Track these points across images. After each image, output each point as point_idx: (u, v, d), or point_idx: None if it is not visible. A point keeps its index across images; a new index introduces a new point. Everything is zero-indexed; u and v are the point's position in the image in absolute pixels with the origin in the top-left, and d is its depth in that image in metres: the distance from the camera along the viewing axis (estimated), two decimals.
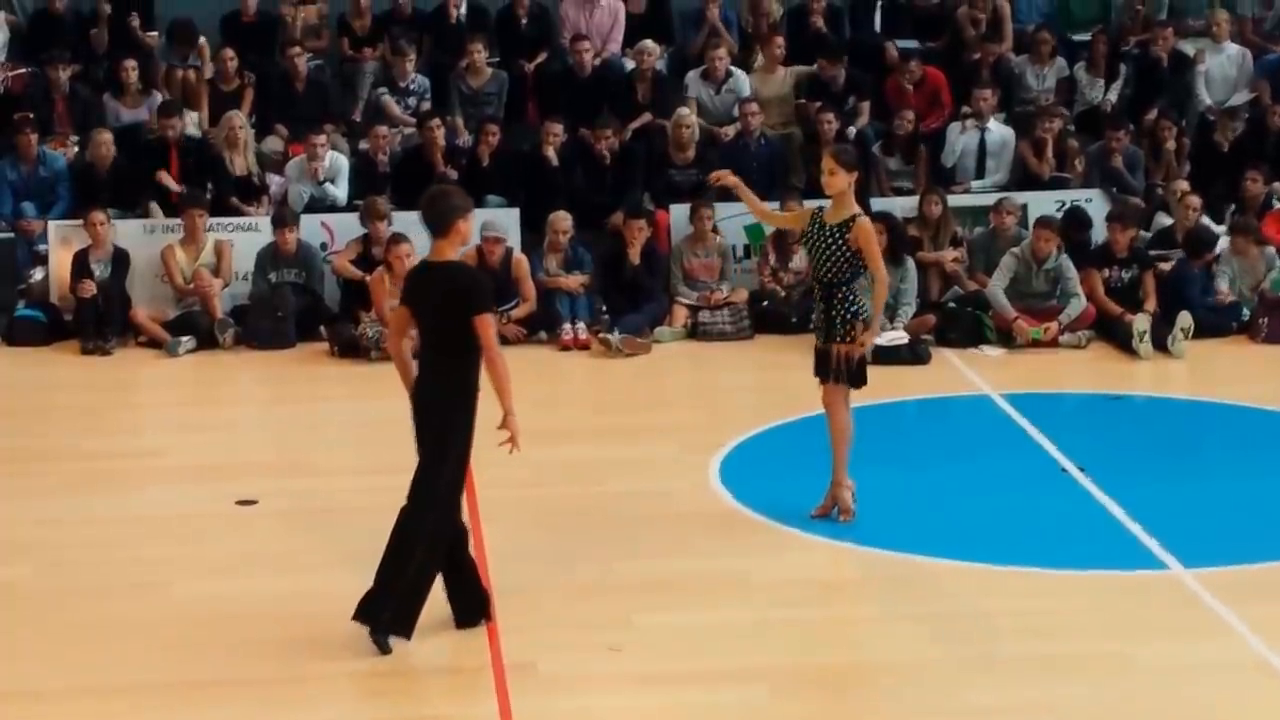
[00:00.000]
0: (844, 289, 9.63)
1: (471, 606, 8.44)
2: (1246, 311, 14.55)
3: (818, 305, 9.79)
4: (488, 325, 8.19)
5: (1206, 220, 15.19)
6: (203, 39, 16.90)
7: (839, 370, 9.67)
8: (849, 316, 9.63)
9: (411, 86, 16.55)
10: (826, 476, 9.94)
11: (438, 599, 8.30)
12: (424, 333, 8.40)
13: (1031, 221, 14.92)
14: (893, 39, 17.40)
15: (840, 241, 9.56)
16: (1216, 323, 14.34)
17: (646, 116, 16.29)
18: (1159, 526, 9.70)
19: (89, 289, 14.31)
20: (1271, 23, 17.97)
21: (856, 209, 9.68)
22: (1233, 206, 15.65)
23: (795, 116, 16.58)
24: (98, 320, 14.32)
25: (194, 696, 7.80)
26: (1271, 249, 14.93)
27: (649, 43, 16.57)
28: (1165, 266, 14.74)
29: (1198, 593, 8.82)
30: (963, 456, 11.40)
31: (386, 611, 8.13)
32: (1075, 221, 15.14)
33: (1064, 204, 15.54)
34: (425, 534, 8.17)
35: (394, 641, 8.10)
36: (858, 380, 9.71)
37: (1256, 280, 14.76)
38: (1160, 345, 13.84)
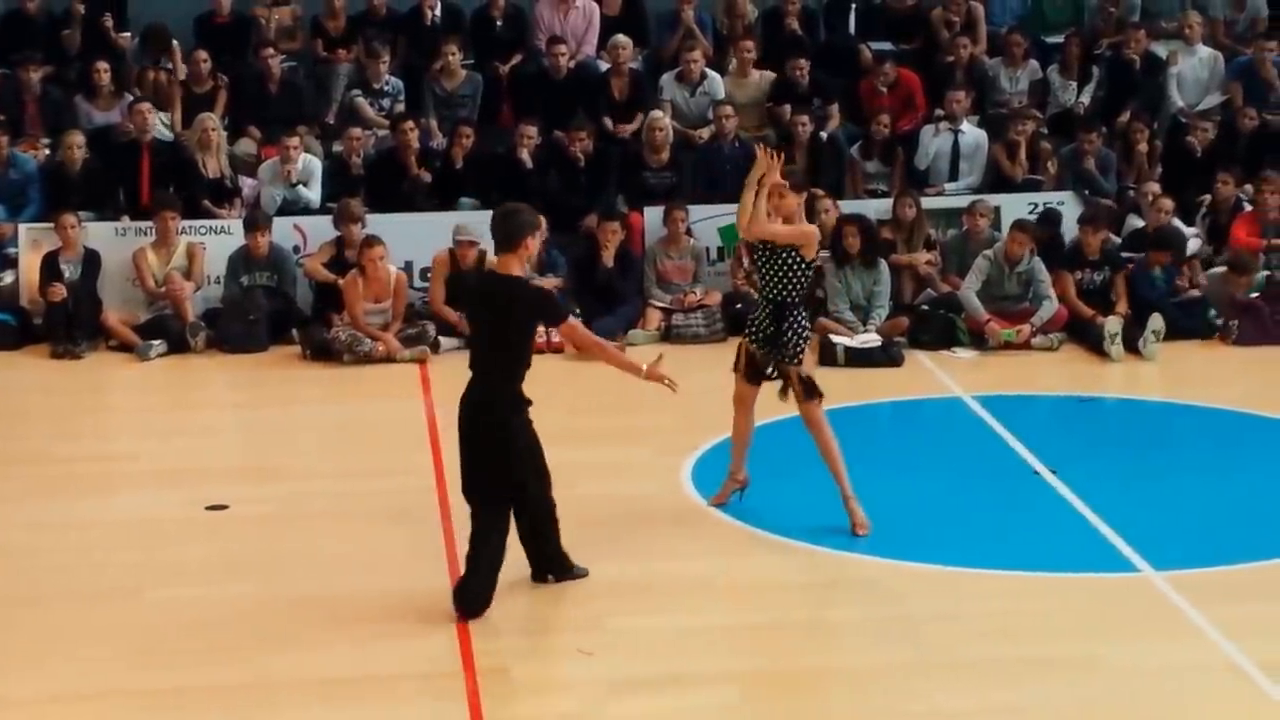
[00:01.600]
0: (796, 310, 9.73)
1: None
2: (1213, 310, 14.61)
3: (765, 321, 9.80)
4: (574, 329, 8.82)
5: (1178, 222, 15.22)
6: (175, 42, 16.85)
7: (797, 391, 9.73)
8: (802, 339, 9.74)
9: (385, 88, 16.53)
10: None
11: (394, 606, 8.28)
12: (479, 341, 8.75)
13: (1005, 224, 14.96)
14: (867, 41, 17.41)
15: (794, 260, 9.63)
16: (1187, 324, 14.35)
17: (638, 118, 16.24)
18: (1129, 528, 9.73)
19: (59, 292, 14.25)
20: (1243, 25, 18.02)
21: (807, 226, 9.77)
22: (1204, 209, 15.69)
23: (769, 119, 16.58)
24: (68, 323, 14.26)
25: (164, 703, 7.78)
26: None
27: (622, 37, 16.56)
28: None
29: (1167, 594, 8.84)
30: (935, 458, 11.42)
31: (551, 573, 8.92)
32: (1047, 220, 15.19)
33: (1036, 206, 15.56)
34: (547, 510, 8.77)
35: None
36: (815, 392, 9.75)
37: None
38: (1132, 347, 13.87)
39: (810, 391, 9.74)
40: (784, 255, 9.65)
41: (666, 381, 8.98)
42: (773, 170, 9.59)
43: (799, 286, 9.69)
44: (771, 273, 9.71)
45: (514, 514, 8.74)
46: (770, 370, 9.86)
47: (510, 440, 8.55)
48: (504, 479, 8.57)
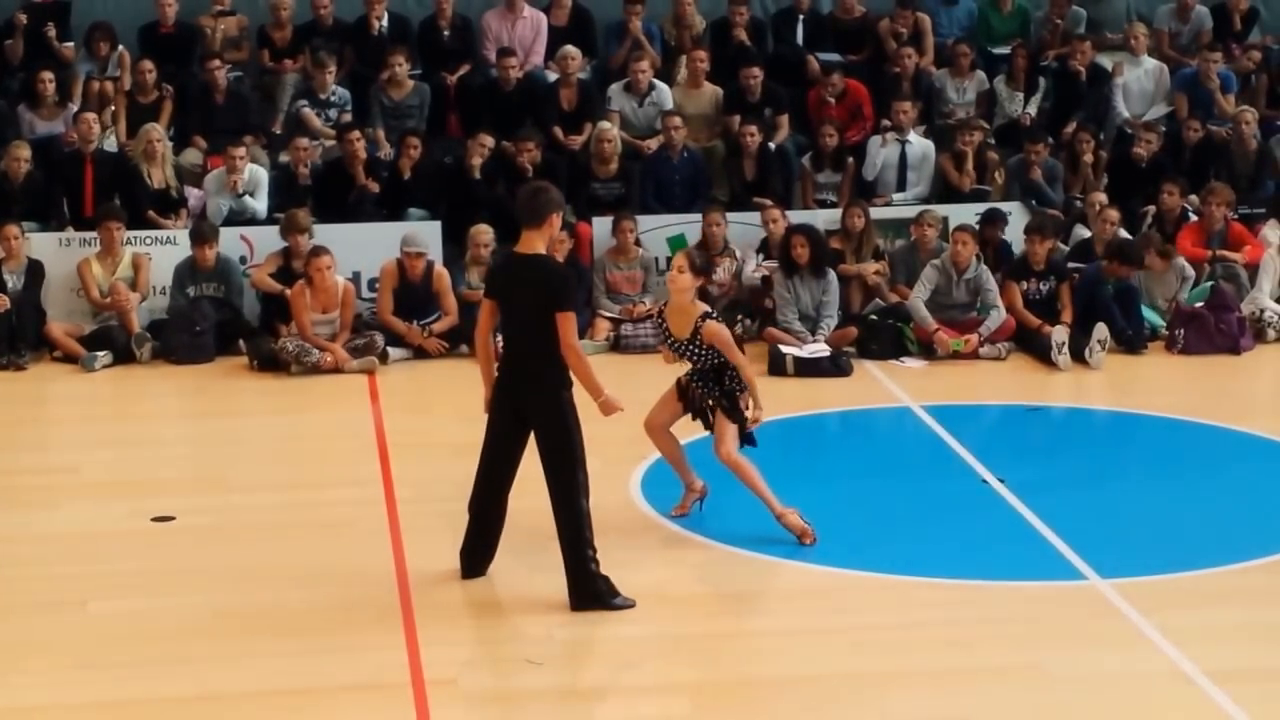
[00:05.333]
0: (729, 369, 9.80)
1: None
2: (1152, 315, 14.66)
3: (707, 378, 9.84)
4: (569, 322, 8.69)
5: (1124, 233, 15.29)
6: (122, 48, 16.75)
7: (725, 438, 9.79)
8: (738, 392, 9.80)
9: (332, 99, 16.46)
10: (745, 488, 9.98)
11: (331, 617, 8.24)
12: (512, 324, 8.86)
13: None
14: (815, 52, 17.45)
15: (700, 346, 9.73)
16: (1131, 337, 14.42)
17: (587, 128, 16.23)
18: (1076, 537, 9.76)
19: (2, 303, 14.12)
20: (1188, 37, 18.14)
21: (700, 309, 9.78)
22: (1149, 220, 15.78)
23: (720, 132, 16.59)
24: (11, 335, 14.13)
25: (108, 716, 7.72)
26: (1182, 260, 15.06)
27: (570, 48, 16.55)
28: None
29: (1115, 602, 8.87)
30: (884, 468, 11.44)
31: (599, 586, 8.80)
32: (991, 220, 15.23)
33: (984, 215, 15.59)
34: (580, 512, 8.81)
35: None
36: (750, 440, 9.87)
37: (1170, 293, 14.88)
38: (1079, 357, 13.94)
39: (747, 439, 9.85)
40: (691, 351, 9.80)
41: (613, 411, 9.06)
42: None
43: (715, 359, 9.78)
44: (693, 355, 9.84)
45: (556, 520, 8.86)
46: (704, 407, 9.88)
47: (565, 413, 8.76)
48: (558, 450, 8.79)
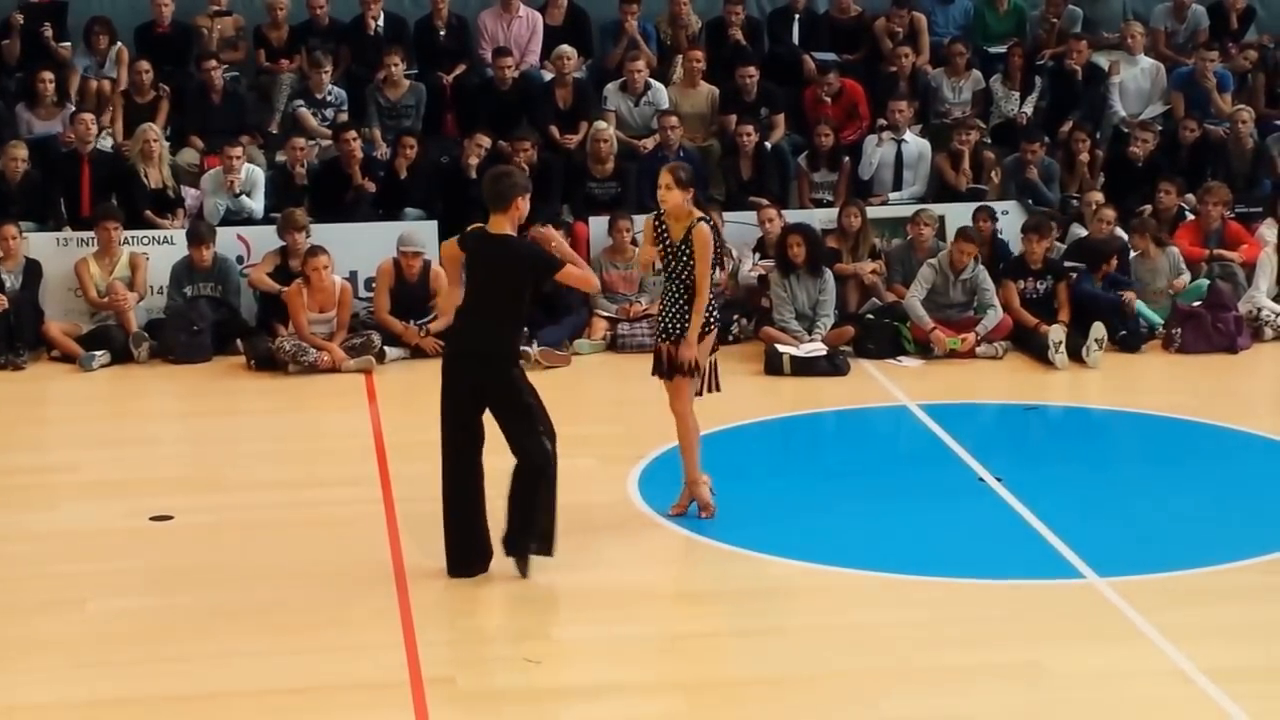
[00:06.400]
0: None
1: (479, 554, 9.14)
2: (1150, 313, 14.65)
3: (672, 306, 9.89)
4: (570, 275, 9.10)
5: (1120, 232, 15.30)
6: (120, 44, 16.75)
7: (685, 370, 9.83)
8: (709, 322, 9.85)
9: (328, 98, 16.46)
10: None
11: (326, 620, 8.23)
12: (472, 295, 9.07)
13: (949, 233, 15.01)
14: (811, 52, 17.46)
15: (689, 251, 9.75)
16: (1128, 336, 14.44)
17: (583, 128, 16.23)
18: (1074, 535, 9.76)
19: (0, 303, 14.13)
20: (1184, 36, 18.15)
21: (695, 214, 9.87)
22: (1149, 217, 15.76)
23: (717, 132, 16.59)
24: (9, 334, 14.13)
25: (107, 715, 7.72)
26: (1175, 250, 15.08)
27: (566, 47, 16.56)
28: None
29: (1112, 601, 8.88)
30: (880, 467, 11.44)
31: (532, 542, 9.07)
32: (983, 215, 15.24)
33: (974, 210, 15.57)
34: (542, 471, 8.99)
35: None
36: (714, 386, 9.97)
37: (1164, 282, 14.87)
38: (1076, 355, 13.95)
39: (713, 385, 9.93)
40: (686, 252, 9.80)
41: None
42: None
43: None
44: (679, 266, 9.85)
45: (514, 472, 9.03)
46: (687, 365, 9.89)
47: (516, 392, 8.99)
48: (511, 428, 9.00)
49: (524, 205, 9.09)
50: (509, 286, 8.98)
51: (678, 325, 9.85)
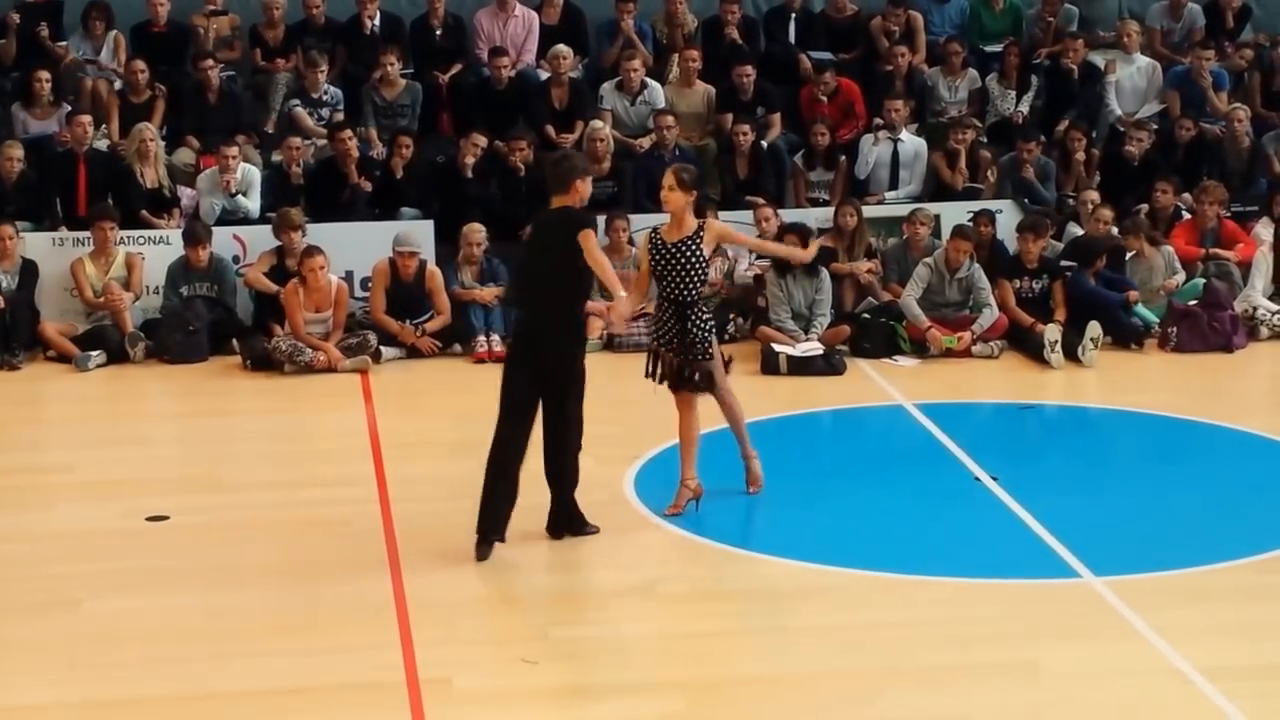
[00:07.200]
0: (697, 307, 9.90)
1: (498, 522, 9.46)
2: (1146, 312, 14.65)
3: (668, 324, 9.94)
4: (588, 237, 9.23)
5: (1116, 231, 15.29)
6: (116, 31, 16.73)
7: (696, 385, 9.94)
8: (706, 334, 9.91)
9: (324, 98, 16.46)
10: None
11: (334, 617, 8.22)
12: (537, 275, 9.47)
13: (945, 232, 15.01)
14: (807, 50, 17.46)
15: (689, 255, 9.77)
16: (1122, 329, 14.45)
17: (579, 127, 16.23)
18: (1070, 534, 9.77)
19: None
20: (1180, 35, 18.15)
21: (698, 221, 9.94)
22: (1141, 217, 15.76)
23: (713, 131, 16.59)
24: (5, 334, 14.13)
25: (103, 715, 7.72)
26: (1169, 248, 15.08)
27: (562, 46, 16.56)
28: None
29: (1108, 600, 8.89)
30: (877, 466, 11.44)
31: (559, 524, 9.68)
32: (984, 219, 15.24)
33: (973, 214, 15.59)
34: (572, 451, 9.56)
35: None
36: (713, 386, 10.03)
37: (1159, 282, 14.87)
38: (1071, 355, 13.95)
39: (710, 384, 9.99)
40: (682, 255, 9.77)
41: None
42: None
43: (697, 285, 9.86)
44: (669, 273, 9.83)
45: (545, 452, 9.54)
46: (687, 371, 9.91)
47: (573, 369, 9.43)
48: (555, 403, 9.42)
49: (583, 187, 9.43)
50: (565, 253, 9.21)
51: (673, 336, 9.88)
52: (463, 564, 9.40)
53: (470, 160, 15.51)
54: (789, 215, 15.32)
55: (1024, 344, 14.25)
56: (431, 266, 14.60)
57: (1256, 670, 8.11)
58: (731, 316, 14.63)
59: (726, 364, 10.21)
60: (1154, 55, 17.75)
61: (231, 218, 15.29)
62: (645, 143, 16.25)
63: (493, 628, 8.74)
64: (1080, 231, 15.51)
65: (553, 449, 9.54)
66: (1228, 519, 10.22)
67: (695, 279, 9.82)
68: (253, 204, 15.41)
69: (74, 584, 9.22)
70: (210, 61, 16.35)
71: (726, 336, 14.25)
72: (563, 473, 9.59)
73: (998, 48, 17.56)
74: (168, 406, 13.63)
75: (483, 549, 9.38)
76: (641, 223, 15.29)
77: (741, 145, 15.93)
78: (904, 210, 15.54)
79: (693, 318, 9.85)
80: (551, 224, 9.46)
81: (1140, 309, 14.66)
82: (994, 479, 10.86)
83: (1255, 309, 14.84)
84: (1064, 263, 14.88)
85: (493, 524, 9.41)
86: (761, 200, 15.57)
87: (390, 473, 11.10)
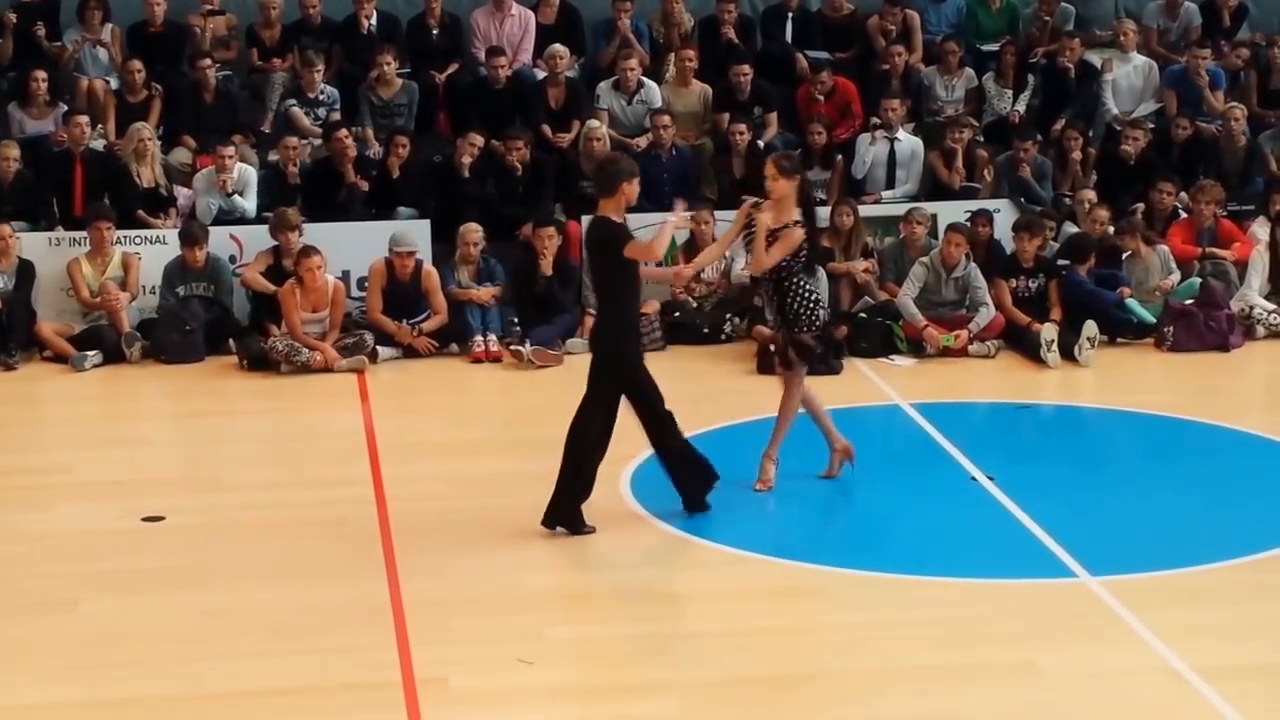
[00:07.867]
0: (794, 279, 10.23)
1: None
2: (1143, 311, 14.65)
3: (769, 301, 10.31)
4: (636, 250, 9.54)
5: (1112, 230, 15.29)
6: (112, 24, 16.71)
7: (807, 358, 10.37)
8: (811, 305, 10.28)
9: (321, 97, 16.46)
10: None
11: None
12: (593, 280, 10.14)
13: (941, 231, 15.00)
14: (803, 50, 17.46)
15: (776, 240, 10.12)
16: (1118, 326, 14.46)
17: (575, 127, 16.23)
18: (1066, 534, 9.77)
19: None
20: (1176, 34, 18.16)
21: (794, 217, 10.17)
22: (1137, 216, 15.76)
23: (709, 130, 16.59)
24: (1, 334, 14.13)
25: (100, 715, 7.72)
26: (1165, 248, 15.09)
27: (559, 46, 16.56)
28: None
29: (1104, 600, 8.89)
30: (873, 466, 11.42)
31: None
32: (981, 220, 15.25)
33: (972, 214, 15.60)
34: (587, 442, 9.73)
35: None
36: (840, 351, 10.67)
37: (1154, 281, 14.87)
38: (1068, 354, 13.95)
39: (838, 349, 10.60)
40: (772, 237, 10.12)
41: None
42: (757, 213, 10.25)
43: (789, 259, 10.19)
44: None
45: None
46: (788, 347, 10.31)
47: (616, 355, 9.73)
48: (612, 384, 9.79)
49: (630, 190, 9.60)
50: (604, 263, 9.62)
51: (775, 313, 10.33)
52: (459, 564, 9.41)
53: (467, 160, 15.51)
54: None
55: (1020, 343, 14.25)
56: (428, 266, 14.60)
57: (1253, 670, 8.11)
58: (729, 316, 14.62)
59: (837, 342, 10.48)
60: (1150, 54, 17.76)
61: (228, 217, 15.28)
62: (642, 142, 16.24)
63: (489, 628, 8.72)
64: (1076, 230, 15.50)
65: (656, 438, 9.87)
66: (1224, 518, 10.23)
67: (789, 261, 10.18)
68: (249, 204, 15.40)
69: (71, 584, 9.22)
70: (207, 61, 16.35)
71: (723, 336, 14.28)
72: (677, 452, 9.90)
73: (994, 47, 17.56)
74: (164, 406, 13.63)
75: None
76: (638, 222, 15.23)
77: (738, 145, 15.92)
78: (901, 210, 15.54)
79: (791, 289, 10.24)
80: (592, 241, 9.93)
81: (1135, 306, 14.65)
82: (990, 479, 10.86)
83: (1252, 308, 14.84)
84: (1059, 262, 14.89)
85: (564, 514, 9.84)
86: (758, 200, 15.53)
87: (387, 472, 11.10)
